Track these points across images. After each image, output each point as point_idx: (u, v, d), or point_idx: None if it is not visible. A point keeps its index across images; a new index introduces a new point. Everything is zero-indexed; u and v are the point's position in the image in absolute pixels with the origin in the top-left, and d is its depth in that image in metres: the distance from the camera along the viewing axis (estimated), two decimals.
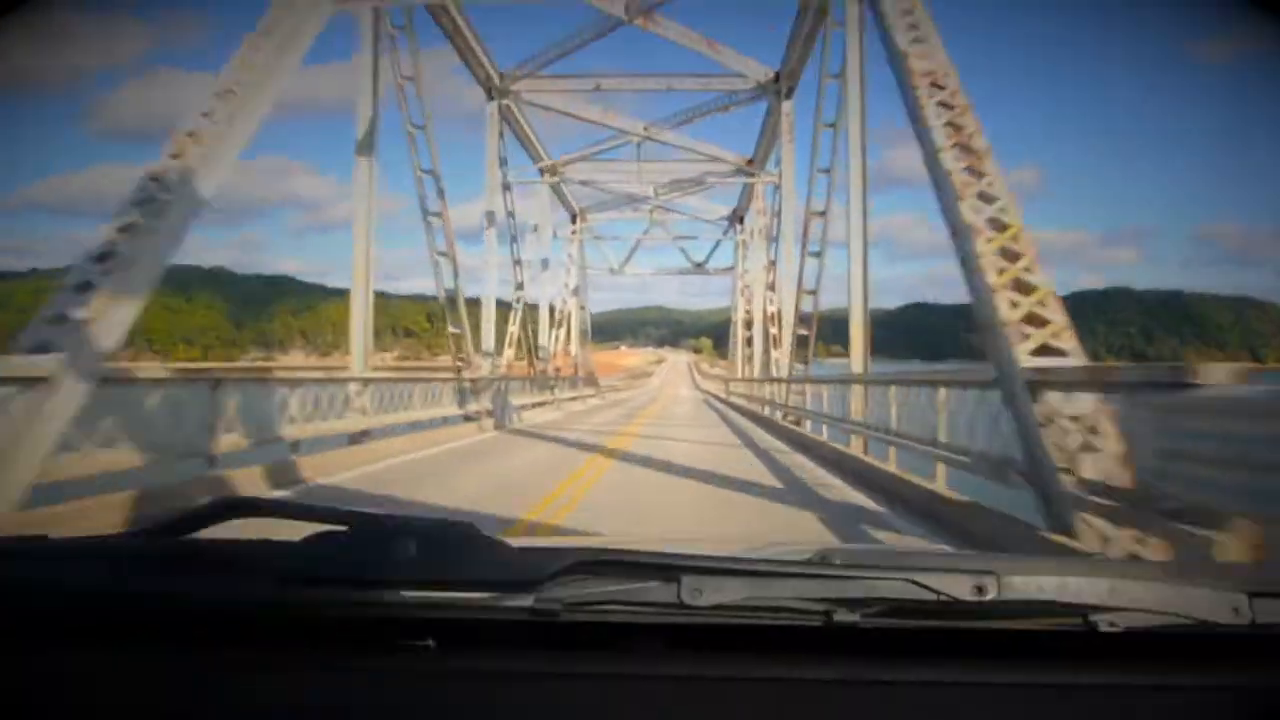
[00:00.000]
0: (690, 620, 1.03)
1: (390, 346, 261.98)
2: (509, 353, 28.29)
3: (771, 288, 28.53)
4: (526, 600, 1.02)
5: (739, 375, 42.06)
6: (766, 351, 28.18)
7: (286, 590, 1.04)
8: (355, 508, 1.16)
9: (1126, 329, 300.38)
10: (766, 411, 24.44)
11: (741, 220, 42.82)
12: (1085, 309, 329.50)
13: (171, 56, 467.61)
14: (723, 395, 47.47)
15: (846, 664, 1.01)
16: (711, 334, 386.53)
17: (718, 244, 50.21)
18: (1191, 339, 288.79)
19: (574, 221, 44.17)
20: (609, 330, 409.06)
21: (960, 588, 1.01)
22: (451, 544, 1.09)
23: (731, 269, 49.80)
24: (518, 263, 30.10)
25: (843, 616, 1.01)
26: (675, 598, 1.02)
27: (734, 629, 1.04)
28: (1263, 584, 1.06)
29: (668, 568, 1.05)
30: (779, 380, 23.07)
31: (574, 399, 37.04)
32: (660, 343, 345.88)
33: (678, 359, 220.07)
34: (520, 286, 30.08)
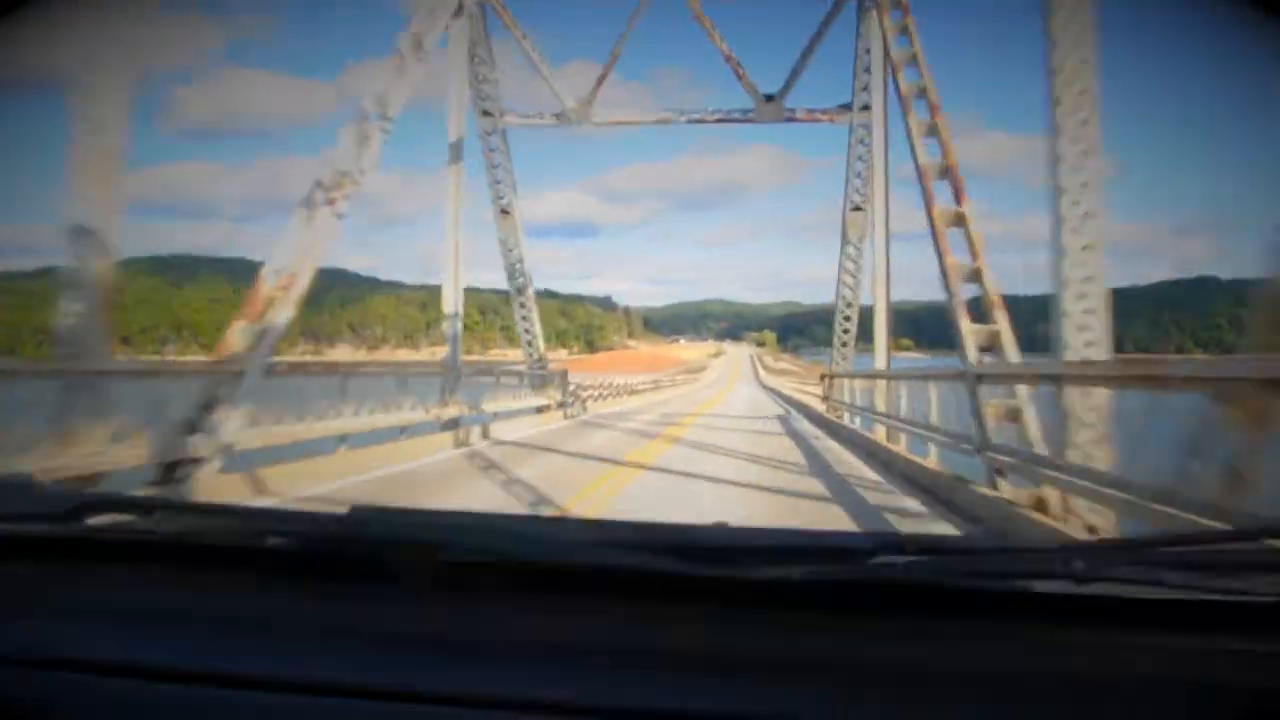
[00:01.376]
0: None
1: (441, 341, 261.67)
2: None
3: None
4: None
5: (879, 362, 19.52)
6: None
7: None
8: None
9: (1216, 320, 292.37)
10: None
11: None
12: (1173, 300, 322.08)
13: (239, 55, 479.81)
14: (822, 409, 24.92)
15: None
16: (774, 327, 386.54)
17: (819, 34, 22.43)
18: None
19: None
20: (671, 324, 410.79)
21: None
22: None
23: (849, 108, 22.91)
24: None
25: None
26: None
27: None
28: None
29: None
30: None
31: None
32: (721, 336, 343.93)
33: (738, 351, 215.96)
34: None
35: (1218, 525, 3.62)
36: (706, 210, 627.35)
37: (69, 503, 1.41)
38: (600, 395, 30.53)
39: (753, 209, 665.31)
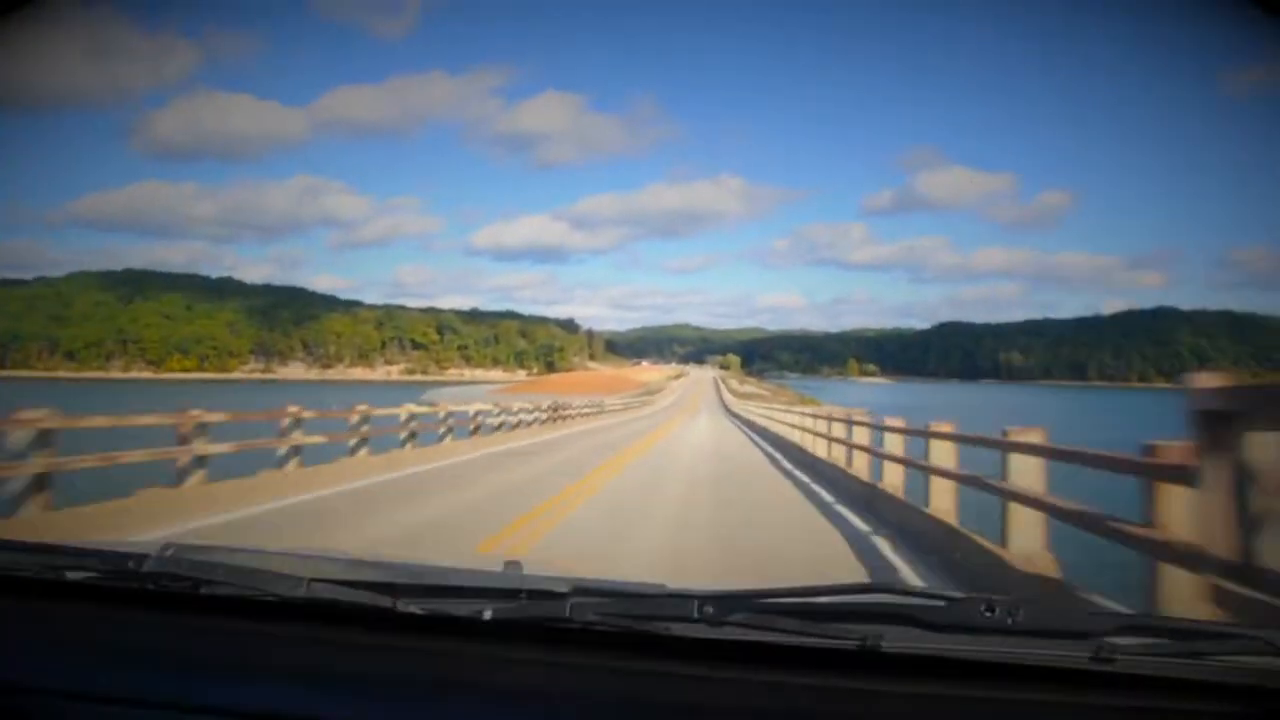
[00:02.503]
0: None
1: (397, 360, 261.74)
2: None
3: None
4: None
5: None
6: None
7: None
8: None
9: (1177, 349, 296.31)
10: None
11: None
12: (1135, 329, 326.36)
13: (217, 79, 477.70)
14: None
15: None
16: (738, 351, 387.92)
17: None
18: (1247, 360, 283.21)
19: None
20: (636, 348, 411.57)
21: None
22: None
23: None
24: None
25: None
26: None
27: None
28: None
29: None
30: None
31: None
32: (685, 360, 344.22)
33: (702, 374, 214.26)
34: None
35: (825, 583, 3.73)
36: (674, 238, 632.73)
37: None
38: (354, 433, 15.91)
39: (720, 237, 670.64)
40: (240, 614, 1.49)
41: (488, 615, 1.39)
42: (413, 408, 18.97)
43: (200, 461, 10.86)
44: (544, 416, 30.62)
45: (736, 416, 50.17)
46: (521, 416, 28.12)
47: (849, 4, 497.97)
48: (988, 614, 1.33)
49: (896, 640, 1.31)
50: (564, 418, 33.95)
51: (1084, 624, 1.35)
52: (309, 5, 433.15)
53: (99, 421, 10.34)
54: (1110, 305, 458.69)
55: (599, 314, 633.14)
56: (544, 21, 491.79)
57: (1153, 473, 4.45)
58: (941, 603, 1.40)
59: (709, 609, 1.35)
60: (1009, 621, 1.32)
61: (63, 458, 8.77)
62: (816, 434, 18.61)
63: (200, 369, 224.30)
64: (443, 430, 20.61)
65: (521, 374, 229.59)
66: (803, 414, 23.81)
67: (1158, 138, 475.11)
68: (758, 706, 1.28)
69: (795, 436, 22.21)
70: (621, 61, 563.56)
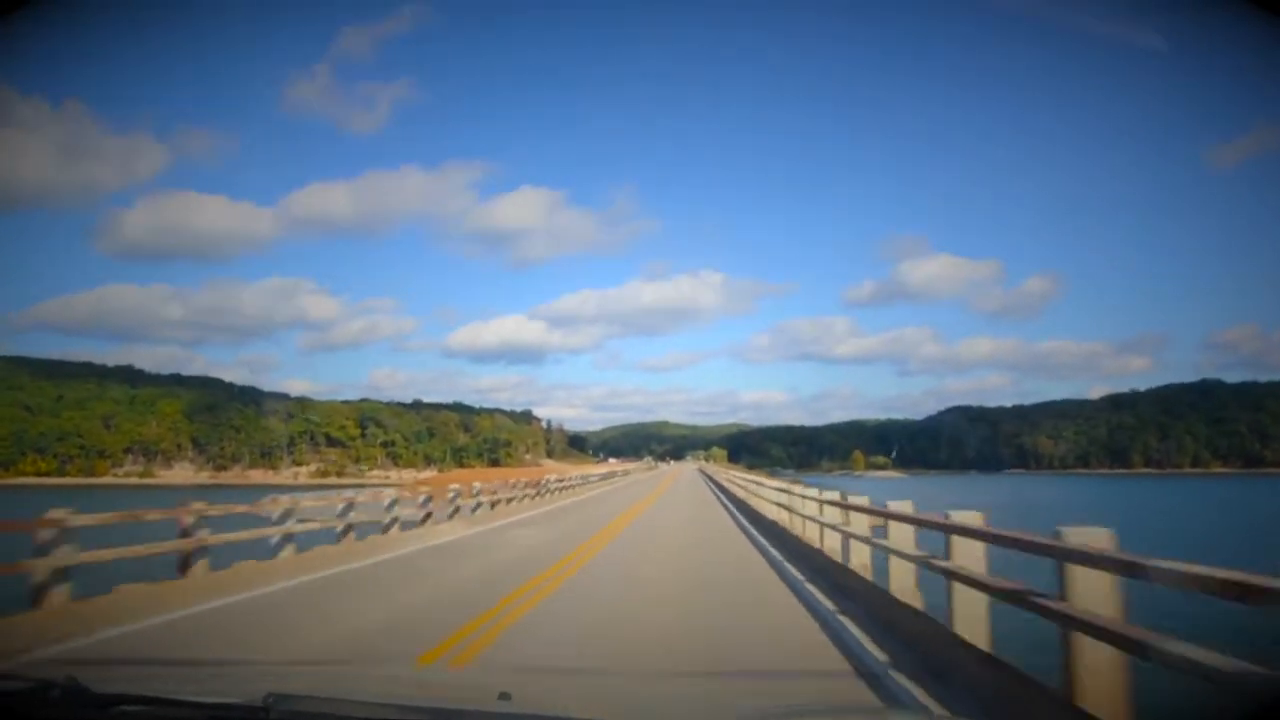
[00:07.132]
0: None
1: (307, 459, 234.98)
2: None
3: None
4: None
5: None
6: None
7: None
8: None
9: (1234, 428, 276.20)
10: None
11: None
12: (1178, 407, 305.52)
13: (187, 178, 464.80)
14: None
15: None
16: (723, 446, 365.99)
17: None
18: None
19: None
20: (612, 447, 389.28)
21: None
22: None
23: None
24: None
25: None
26: None
27: None
28: None
29: None
30: None
31: None
32: (662, 456, 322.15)
33: (680, 467, 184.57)
34: None
35: None
36: (655, 335, 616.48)
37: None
38: None
39: (701, 334, 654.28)
40: None
41: None
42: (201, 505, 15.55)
43: None
44: None
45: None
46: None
47: (827, 93, 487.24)
48: None
49: None
50: None
51: None
52: (280, 102, 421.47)
53: None
54: (1097, 390, 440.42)
55: (579, 415, 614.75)
56: (519, 116, 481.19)
57: None
58: None
59: None
60: None
61: None
62: None
63: (61, 472, 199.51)
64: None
65: (431, 471, 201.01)
66: None
67: (1142, 218, 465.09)
68: None
69: None
70: (598, 155, 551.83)
